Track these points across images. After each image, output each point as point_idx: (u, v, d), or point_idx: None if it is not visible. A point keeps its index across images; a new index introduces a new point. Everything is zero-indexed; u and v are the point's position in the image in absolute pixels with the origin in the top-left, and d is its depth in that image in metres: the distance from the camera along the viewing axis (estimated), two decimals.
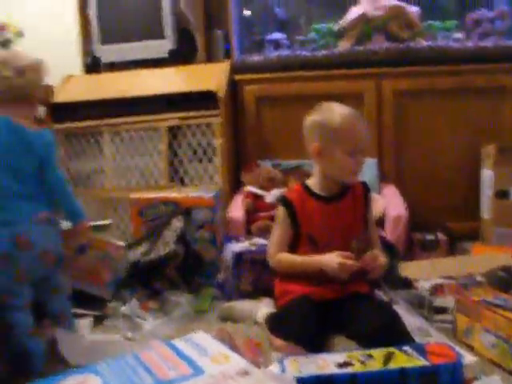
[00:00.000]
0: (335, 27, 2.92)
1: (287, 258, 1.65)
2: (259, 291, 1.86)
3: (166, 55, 2.87)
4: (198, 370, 1.04)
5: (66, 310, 1.69)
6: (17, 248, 1.42)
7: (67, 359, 1.54)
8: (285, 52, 2.89)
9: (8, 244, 1.41)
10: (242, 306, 1.80)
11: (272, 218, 2.34)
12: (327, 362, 1.16)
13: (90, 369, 1.10)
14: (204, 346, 1.17)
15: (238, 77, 2.79)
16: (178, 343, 1.20)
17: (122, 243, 1.98)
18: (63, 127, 2.68)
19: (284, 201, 1.66)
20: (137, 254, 1.99)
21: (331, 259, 1.53)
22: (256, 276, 1.91)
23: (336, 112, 1.60)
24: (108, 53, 2.98)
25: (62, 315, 1.67)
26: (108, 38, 2.96)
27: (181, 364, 1.08)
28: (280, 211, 1.67)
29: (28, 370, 1.42)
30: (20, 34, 3.19)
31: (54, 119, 2.67)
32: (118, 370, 1.09)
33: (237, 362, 1.08)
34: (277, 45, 2.92)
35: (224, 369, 1.04)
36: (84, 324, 1.80)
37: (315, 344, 1.39)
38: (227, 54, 2.97)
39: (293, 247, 1.65)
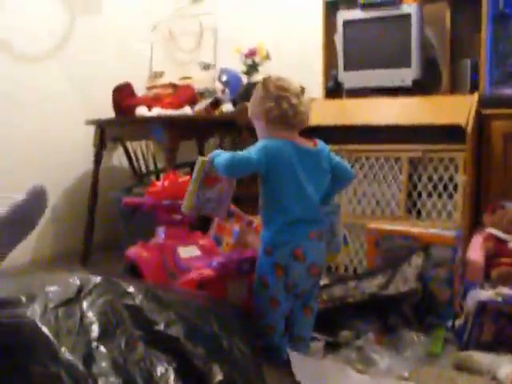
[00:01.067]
0: None
1: None
2: (500, 345, 1.75)
3: (410, 84, 2.85)
4: None
5: (308, 332, 1.76)
6: (293, 259, 1.60)
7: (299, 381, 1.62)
8: None
9: (289, 257, 1.60)
10: (482, 358, 1.70)
11: None
12: None
13: None
14: None
15: (485, 111, 2.65)
16: None
17: None
18: None
19: None
20: (372, 285, 1.99)
21: None
22: (499, 328, 1.79)
23: None
24: (350, 78, 3.05)
25: (304, 338, 1.74)
26: (352, 64, 3.03)
27: None
28: None
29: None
30: (267, 58, 3.41)
31: None
32: None
33: None
34: None
35: None
36: (317, 348, 1.86)
37: None
38: (473, 86, 2.84)
39: None
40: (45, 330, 1.03)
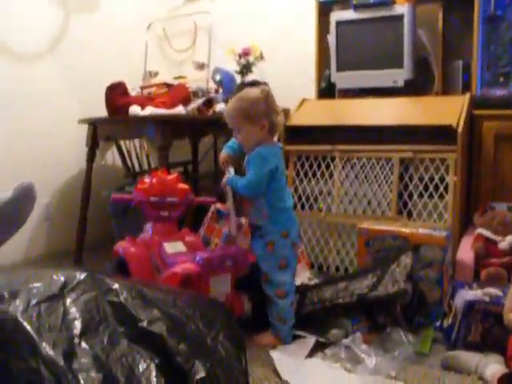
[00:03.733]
0: None
1: None
2: (487, 344, 1.76)
3: (402, 85, 2.85)
4: None
5: None
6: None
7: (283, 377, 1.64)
8: None
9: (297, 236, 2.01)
10: (468, 357, 1.71)
11: (504, 266, 2.22)
12: None
13: None
14: None
15: (476, 112, 2.66)
16: None
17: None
18: (296, 149, 2.79)
19: None
20: (362, 285, 1.99)
21: None
22: (486, 328, 1.79)
23: None
24: (343, 79, 3.05)
25: None
26: (345, 65, 3.04)
27: None
28: None
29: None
30: (261, 58, 3.41)
31: (287, 141, 2.80)
32: None
33: None
34: None
35: None
36: (304, 346, 1.86)
37: None
38: (465, 87, 2.85)
39: None
40: (26, 325, 1.03)
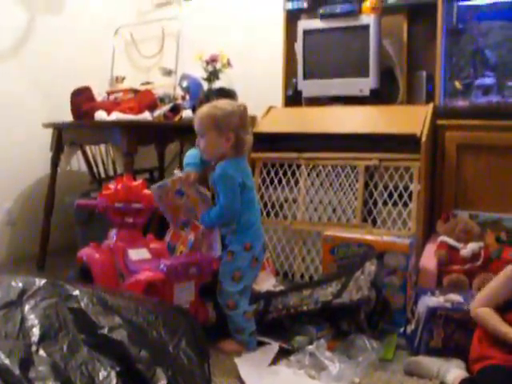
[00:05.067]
0: None
1: (486, 315, 1.60)
2: (449, 350, 1.78)
3: (368, 94, 2.89)
4: None
5: None
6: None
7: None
8: (495, 98, 2.75)
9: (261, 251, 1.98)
10: (430, 363, 1.74)
11: (466, 273, 2.26)
12: None
13: None
14: None
15: (440, 121, 2.71)
16: None
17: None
18: (262, 156, 2.80)
19: None
20: (327, 293, 2.00)
21: None
22: (448, 334, 1.82)
23: None
24: (310, 87, 3.07)
25: None
26: (311, 73, 3.06)
27: None
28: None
29: None
30: (228, 65, 3.42)
31: (253, 148, 2.80)
32: None
33: None
34: (486, 90, 2.79)
35: None
36: (268, 353, 1.86)
37: None
38: (428, 97, 2.90)
39: (505, 310, 1.56)
40: None
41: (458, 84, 2.79)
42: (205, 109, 1.90)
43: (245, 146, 1.91)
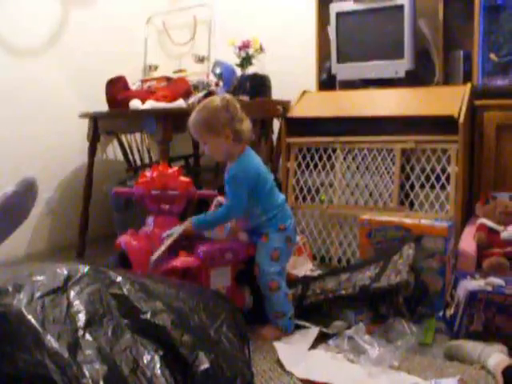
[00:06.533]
0: None
1: None
2: (490, 334, 1.76)
3: (403, 76, 2.84)
4: None
5: None
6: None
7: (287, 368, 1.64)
8: None
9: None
10: (472, 347, 1.71)
11: (506, 256, 2.22)
12: None
13: None
14: None
15: (478, 102, 2.65)
16: None
17: None
18: (297, 141, 2.79)
19: None
20: (365, 277, 1.99)
21: None
22: (489, 318, 1.79)
23: None
24: (344, 70, 3.04)
25: None
26: (345, 56, 3.03)
27: None
28: None
29: None
30: (261, 50, 3.40)
31: (288, 133, 2.80)
32: None
33: None
34: None
35: None
36: (308, 337, 1.87)
37: None
38: (466, 77, 2.83)
39: None
40: (30, 318, 1.03)
41: (495, 59, 2.71)
42: (192, 117, 1.89)
43: (244, 135, 1.88)
